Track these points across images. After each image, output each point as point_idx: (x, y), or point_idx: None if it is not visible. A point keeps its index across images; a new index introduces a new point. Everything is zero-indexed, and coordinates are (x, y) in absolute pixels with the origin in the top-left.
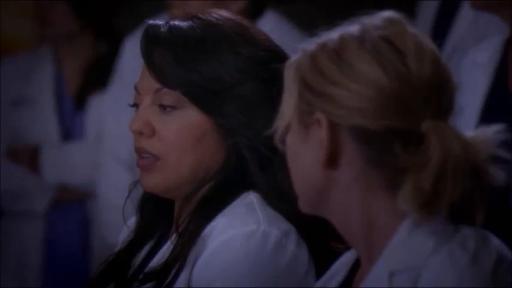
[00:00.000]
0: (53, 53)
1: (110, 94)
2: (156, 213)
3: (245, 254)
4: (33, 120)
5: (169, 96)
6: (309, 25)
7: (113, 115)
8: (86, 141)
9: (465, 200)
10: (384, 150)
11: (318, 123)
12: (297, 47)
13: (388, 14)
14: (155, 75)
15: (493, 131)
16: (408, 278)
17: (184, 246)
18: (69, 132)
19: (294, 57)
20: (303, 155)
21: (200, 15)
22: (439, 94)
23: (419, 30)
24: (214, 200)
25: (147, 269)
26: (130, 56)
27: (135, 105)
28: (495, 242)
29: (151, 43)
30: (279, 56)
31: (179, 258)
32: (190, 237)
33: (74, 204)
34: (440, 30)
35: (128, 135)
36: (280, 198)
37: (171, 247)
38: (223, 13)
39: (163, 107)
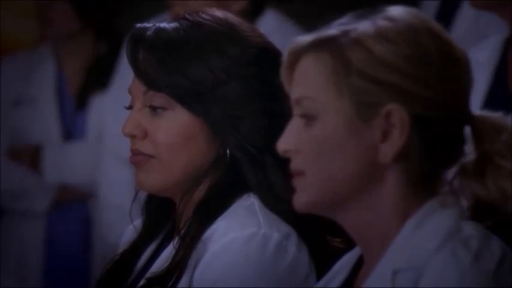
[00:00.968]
0: (53, 52)
1: (111, 94)
2: (160, 213)
3: (246, 257)
4: (34, 120)
5: (158, 97)
6: (309, 25)
7: (113, 114)
8: (87, 141)
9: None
10: (439, 139)
11: (385, 115)
12: None
13: (407, 8)
14: (141, 78)
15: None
16: (411, 277)
17: (185, 250)
18: (70, 132)
19: (322, 50)
20: (352, 149)
21: (188, 16)
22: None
23: None
24: (212, 203)
25: (149, 274)
26: None
27: (130, 107)
28: (498, 241)
29: (136, 46)
30: (268, 53)
31: (181, 263)
32: (191, 241)
33: (74, 204)
34: None
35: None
36: (275, 199)
37: (173, 251)
38: (214, 12)
39: (153, 109)
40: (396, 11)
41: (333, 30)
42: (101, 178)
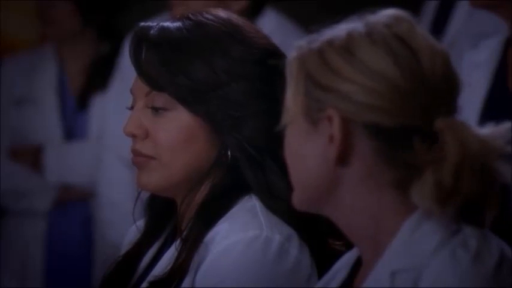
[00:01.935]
0: (55, 52)
1: (112, 93)
2: (162, 214)
3: (248, 259)
4: (35, 119)
5: (160, 98)
6: (309, 25)
7: (114, 114)
8: (89, 141)
9: (478, 198)
10: (396, 147)
11: (328, 120)
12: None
13: (393, 11)
14: (143, 78)
15: (505, 128)
16: (410, 278)
17: (187, 252)
18: (72, 131)
19: (295, 55)
20: (309, 152)
21: (191, 16)
22: (450, 91)
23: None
24: (214, 204)
25: (152, 277)
26: None
27: (132, 108)
28: (497, 241)
29: (139, 45)
30: (271, 54)
31: (183, 266)
32: (193, 244)
33: (76, 204)
34: (437, 29)
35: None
36: (275, 200)
37: (176, 253)
38: (217, 13)
39: (155, 109)
40: (375, 17)
41: (311, 37)
42: (101, 177)
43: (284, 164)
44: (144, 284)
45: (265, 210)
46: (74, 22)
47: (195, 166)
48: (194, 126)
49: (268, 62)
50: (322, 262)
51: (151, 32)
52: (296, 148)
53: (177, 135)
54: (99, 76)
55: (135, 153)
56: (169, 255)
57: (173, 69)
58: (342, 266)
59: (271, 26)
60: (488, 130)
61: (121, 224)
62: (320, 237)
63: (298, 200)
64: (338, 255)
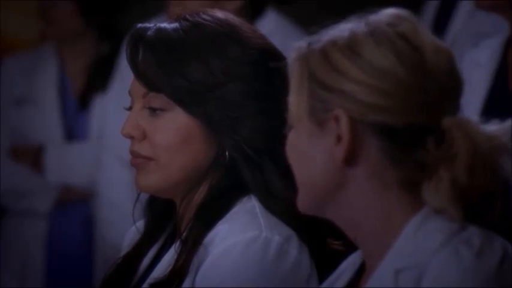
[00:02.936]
0: (56, 52)
1: (112, 93)
2: (162, 215)
3: (247, 261)
4: (36, 119)
5: (157, 99)
6: (309, 26)
7: (114, 114)
8: (90, 141)
9: (487, 195)
10: (403, 146)
11: (335, 120)
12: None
13: (394, 10)
14: (140, 79)
15: (510, 125)
16: (413, 276)
17: (187, 254)
18: (73, 132)
19: (297, 55)
20: (315, 153)
21: (188, 17)
22: (454, 89)
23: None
24: (213, 205)
25: (152, 280)
26: None
27: (130, 108)
28: (500, 240)
29: (136, 47)
30: (268, 54)
31: (183, 268)
32: (192, 245)
33: (77, 204)
34: (438, 29)
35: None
36: (274, 201)
37: (175, 255)
38: (215, 13)
39: (152, 110)
40: (378, 16)
41: (313, 37)
42: (101, 178)
43: (282, 164)
44: (145, 286)
45: (265, 211)
46: (75, 22)
47: (193, 167)
48: (191, 127)
49: (266, 63)
50: (322, 262)
51: (148, 33)
52: (301, 149)
53: (175, 136)
54: (99, 76)
55: (134, 154)
56: (169, 256)
57: (170, 70)
58: (347, 267)
59: (271, 26)
60: (494, 127)
61: (121, 224)
62: (319, 237)
63: (304, 202)
64: (337, 255)
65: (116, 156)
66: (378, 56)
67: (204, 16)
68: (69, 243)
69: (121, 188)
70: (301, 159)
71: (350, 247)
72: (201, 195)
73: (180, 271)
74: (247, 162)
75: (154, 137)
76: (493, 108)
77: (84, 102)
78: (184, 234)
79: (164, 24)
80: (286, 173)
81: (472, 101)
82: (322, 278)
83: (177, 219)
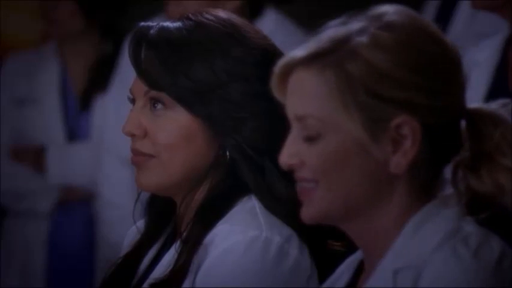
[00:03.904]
0: (57, 52)
1: (112, 93)
2: (162, 215)
3: (248, 261)
4: (37, 120)
5: (159, 97)
6: (309, 25)
7: (114, 114)
8: (91, 142)
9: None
10: (441, 144)
11: (395, 128)
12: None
13: (398, 7)
14: (142, 77)
15: None
16: (412, 275)
17: (187, 254)
18: (74, 132)
19: (322, 64)
20: (361, 164)
21: (191, 16)
22: (466, 84)
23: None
24: (213, 205)
25: (152, 280)
26: None
27: (133, 101)
28: (497, 239)
29: (139, 46)
30: (272, 56)
31: (183, 268)
32: (193, 245)
33: (78, 204)
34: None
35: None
36: (274, 201)
37: (175, 255)
38: (218, 13)
39: (154, 108)
40: (388, 14)
41: (326, 43)
42: (101, 178)
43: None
44: (145, 286)
45: (265, 211)
46: (76, 22)
47: (194, 166)
48: (193, 126)
49: (269, 63)
50: (322, 263)
51: (151, 32)
52: (339, 162)
53: (176, 135)
54: (100, 76)
55: (135, 152)
56: (169, 256)
57: (173, 69)
58: (346, 268)
59: (271, 26)
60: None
61: (122, 224)
62: (320, 237)
63: (316, 214)
64: (338, 255)
65: (116, 157)
66: (419, 53)
67: (207, 16)
68: (70, 244)
69: (122, 188)
70: (340, 173)
71: (350, 248)
72: (202, 195)
73: (180, 271)
74: (248, 162)
75: (156, 135)
76: None
77: (85, 102)
78: (184, 234)
79: (167, 23)
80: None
81: (472, 100)
82: (322, 279)
83: (177, 219)
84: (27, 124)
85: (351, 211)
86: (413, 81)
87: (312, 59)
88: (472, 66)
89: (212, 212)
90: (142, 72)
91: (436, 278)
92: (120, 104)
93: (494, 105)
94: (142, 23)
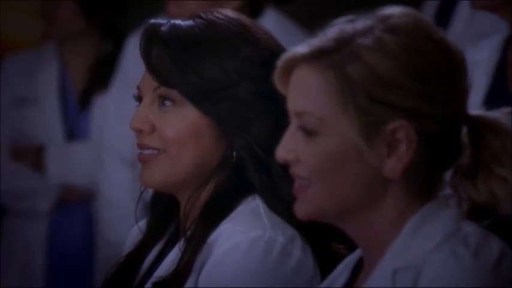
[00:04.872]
0: (57, 52)
1: (112, 92)
2: (165, 214)
3: (251, 261)
4: (37, 119)
5: (169, 93)
6: (309, 25)
7: (114, 113)
8: (91, 141)
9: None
10: (439, 151)
11: (391, 132)
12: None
13: (401, 8)
14: (153, 74)
15: None
16: (411, 275)
17: (191, 253)
18: (74, 132)
19: (323, 64)
20: (356, 166)
21: (202, 15)
22: (469, 88)
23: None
24: (217, 205)
25: (156, 278)
26: (133, 55)
27: (139, 99)
28: (496, 240)
29: (150, 42)
30: (279, 55)
31: (187, 267)
32: (197, 244)
33: (78, 204)
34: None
35: (130, 133)
36: (279, 202)
37: (179, 254)
38: (227, 13)
39: (162, 103)
40: (394, 17)
41: (330, 41)
42: (102, 177)
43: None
44: (148, 285)
45: (269, 211)
46: (76, 22)
47: (200, 164)
48: (202, 124)
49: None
50: (325, 263)
51: (162, 28)
52: (335, 163)
53: (184, 131)
54: (100, 76)
55: (142, 146)
56: (173, 255)
57: (184, 67)
58: (344, 268)
59: (271, 26)
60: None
61: (122, 224)
62: (323, 238)
63: (309, 211)
64: (341, 256)
65: (116, 156)
66: (421, 58)
67: (218, 15)
68: (70, 243)
69: (122, 188)
70: (334, 173)
71: (354, 250)
72: (207, 194)
73: (183, 270)
74: (255, 162)
75: (164, 130)
76: (492, 108)
77: (84, 102)
78: (188, 233)
79: (178, 21)
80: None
81: (472, 100)
82: (325, 279)
83: (180, 219)
84: (27, 124)
85: (346, 211)
86: (414, 87)
87: (315, 57)
88: (472, 67)
89: (216, 211)
90: (153, 68)
91: (436, 278)
92: (120, 104)
93: (498, 113)
94: (152, 20)
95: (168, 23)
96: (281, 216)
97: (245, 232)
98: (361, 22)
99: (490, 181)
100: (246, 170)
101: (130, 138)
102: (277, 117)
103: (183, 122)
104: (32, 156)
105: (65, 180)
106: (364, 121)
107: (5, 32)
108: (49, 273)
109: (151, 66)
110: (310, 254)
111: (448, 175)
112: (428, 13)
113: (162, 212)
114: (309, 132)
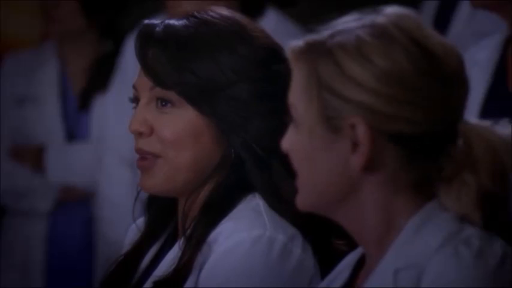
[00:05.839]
0: (57, 52)
1: (112, 93)
2: (163, 213)
3: (251, 259)
4: (37, 119)
5: (166, 95)
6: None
7: (114, 114)
8: (91, 141)
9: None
10: (421, 153)
11: (351, 128)
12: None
13: (397, 9)
14: (149, 75)
15: None
16: (412, 276)
17: (191, 252)
18: (74, 132)
19: (300, 57)
20: (328, 157)
21: (197, 14)
22: (465, 93)
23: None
24: (217, 204)
25: (156, 277)
26: (132, 55)
27: (136, 100)
28: (499, 241)
29: (145, 43)
30: (277, 55)
31: (187, 266)
32: (197, 243)
33: (78, 204)
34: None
35: (130, 133)
36: (280, 200)
37: (179, 253)
38: (222, 11)
39: (161, 103)
40: (384, 19)
41: (318, 37)
42: (102, 177)
43: (288, 163)
44: (148, 284)
45: (269, 210)
46: (76, 22)
47: (200, 165)
48: (200, 124)
49: (274, 62)
50: (326, 262)
51: (157, 29)
52: (311, 153)
53: (183, 132)
54: (100, 76)
55: (140, 152)
56: (173, 254)
57: (180, 66)
58: (344, 266)
59: (271, 25)
60: (506, 129)
61: (121, 223)
62: (323, 236)
63: (307, 202)
64: (341, 255)
65: (116, 156)
66: (390, 62)
67: (212, 14)
68: (69, 243)
69: (121, 187)
70: (311, 163)
71: (354, 247)
72: (206, 193)
73: (183, 269)
74: (255, 161)
75: (162, 132)
76: (492, 107)
77: (84, 102)
78: (188, 231)
79: (173, 21)
80: (292, 173)
81: (471, 100)
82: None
83: (179, 217)
84: (27, 123)
85: (326, 203)
86: (378, 88)
87: (303, 51)
88: (472, 66)
89: (216, 210)
90: (149, 70)
91: (438, 279)
92: (120, 104)
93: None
94: (146, 21)
95: (163, 23)
96: (281, 214)
97: (245, 231)
98: (354, 21)
99: (462, 188)
100: (246, 169)
101: (130, 138)
102: (276, 115)
103: (181, 123)
104: (32, 156)
105: (64, 180)
106: (326, 114)
107: (5, 32)
108: (49, 273)
109: (148, 68)
110: (310, 253)
111: None
112: (428, 13)
113: (160, 210)
114: (294, 124)
